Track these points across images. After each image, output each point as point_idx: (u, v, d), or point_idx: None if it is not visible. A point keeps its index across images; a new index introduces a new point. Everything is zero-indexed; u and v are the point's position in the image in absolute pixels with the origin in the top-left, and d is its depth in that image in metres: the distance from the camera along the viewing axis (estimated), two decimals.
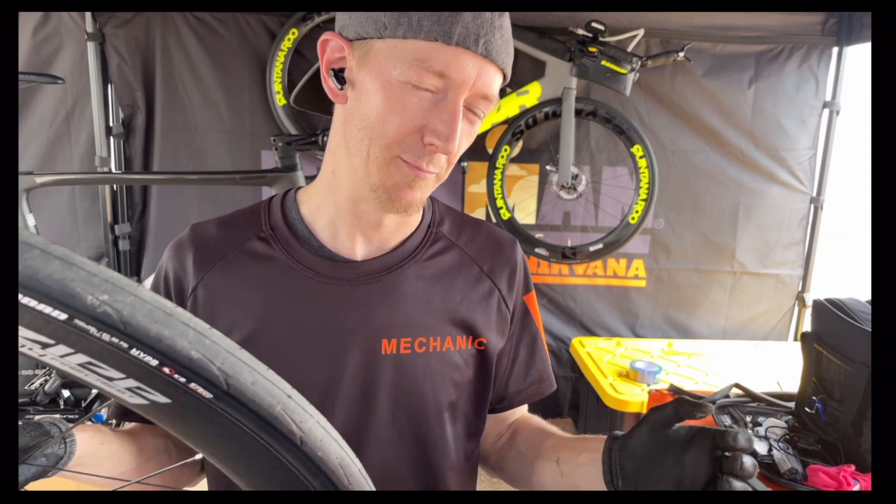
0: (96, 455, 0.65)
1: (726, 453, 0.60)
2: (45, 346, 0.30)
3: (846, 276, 4.83)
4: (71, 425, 0.58)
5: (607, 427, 2.39)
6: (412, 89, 0.66)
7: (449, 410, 0.82)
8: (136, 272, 2.76)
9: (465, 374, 0.82)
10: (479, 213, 2.91)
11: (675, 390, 1.77)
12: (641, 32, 2.55)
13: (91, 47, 2.53)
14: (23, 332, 0.29)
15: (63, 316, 0.29)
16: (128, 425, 0.80)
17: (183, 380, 0.33)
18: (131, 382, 0.32)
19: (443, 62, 0.64)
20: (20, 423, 0.53)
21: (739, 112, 2.80)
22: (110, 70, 2.61)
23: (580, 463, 0.74)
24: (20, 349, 0.31)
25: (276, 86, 2.58)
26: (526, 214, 2.90)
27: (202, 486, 0.87)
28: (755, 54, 2.75)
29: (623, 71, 2.41)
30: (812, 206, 2.93)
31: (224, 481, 0.81)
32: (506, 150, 2.60)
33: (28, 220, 2.16)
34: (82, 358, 0.31)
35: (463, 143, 0.70)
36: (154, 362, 0.31)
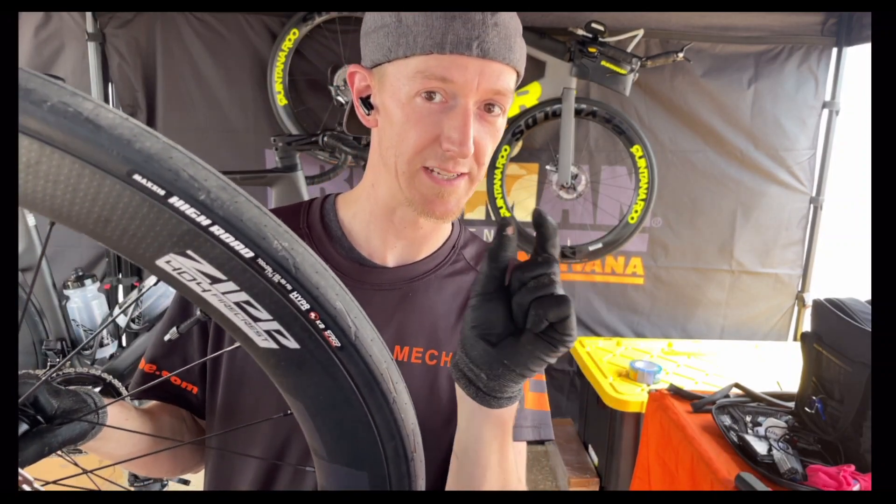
0: (117, 432, 0.67)
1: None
2: (215, 280, 0.35)
3: (846, 276, 4.83)
4: (104, 399, 0.62)
5: (607, 427, 2.39)
6: (423, 102, 0.69)
7: (447, 427, 0.81)
8: (136, 272, 2.77)
9: None
10: (479, 212, 2.91)
11: (675, 390, 1.77)
12: (641, 33, 2.56)
13: (91, 47, 2.53)
14: (201, 266, 0.34)
15: (250, 254, 0.34)
16: (146, 405, 0.82)
17: (322, 326, 0.37)
18: (274, 325, 0.37)
19: (442, 68, 0.67)
20: (62, 387, 0.57)
21: (739, 112, 2.80)
22: (111, 70, 2.61)
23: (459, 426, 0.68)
24: (186, 282, 0.35)
25: (277, 86, 2.58)
26: (525, 213, 2.90)
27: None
28: (755, 54, 2.76)
29: (623, 71, 2.42)
30: (811, 205, 2.93)
31: (221, 479, 0.82)
32: (506, 149, 2.60)
33: (28, 220, 2.16)
34: (242, 297, 0.35)
35: (486, 142, 0.72)
36: (306, 306, 0.36)
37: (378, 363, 0.41)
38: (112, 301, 2.42)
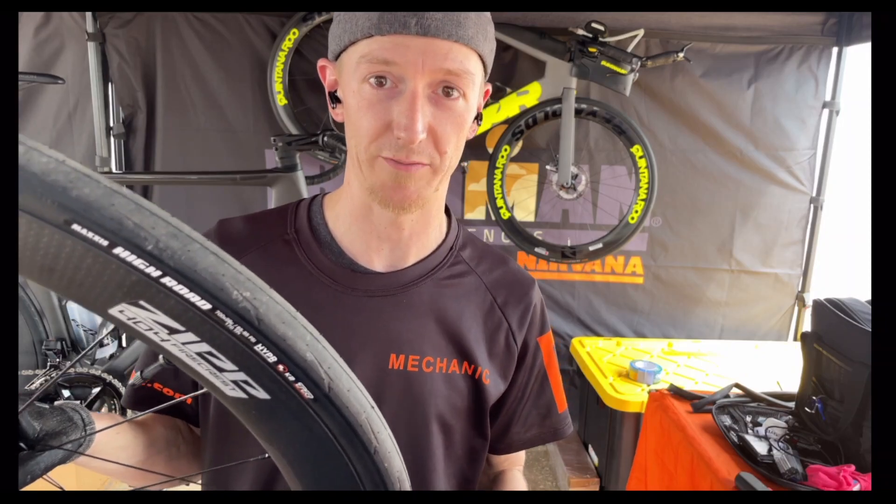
0: (111, 444, 0.66)
1: None
2: (173, 331, 0.32)
3: (846, 276, 4.83)
4: (92, 413, 0.60)
5: (607, 427, 2.39)
6: (372, 88, 0.66)
7: (445, 433, 0.81)
8: None
9: (465, 400, 0.82)
10: (479, 212, 2.91)
11: (675, 390, 1.77)
12: (641, 33, 2.56)
13: (91, 47, 2.53)
14: (157, 317, 0.31)
15: (207, 306, 0.31)
16: (139, 416, 0.80)
17: (292, 378, 0.35)
18: (240, 376, 0.35)
19: (384, 50, 0.64)
20: (46, 407, 0.55)
21: (739, 112, 2.80)
22: (111, 70, 2.61)
23: None
24: (143, 332, 0.32)
25: (277, 86, 2.58)
26: (526, 213, 2.91)
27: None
28: (755, 54, 2.76)
29: (623, 71, 2.41)
30: (812, 206, 2.93)
31: (219, 483, 0.82)
32: (506, 149, 2.60)
33: None
34: (204, 347, 0.33)
35: (445, 128, 0.68)
36: (273, 359, 0.34)
37: (356, 414, 0.38)
38: None
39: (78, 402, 2.02)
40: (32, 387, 2.08)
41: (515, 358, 0.85)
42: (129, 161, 2.74)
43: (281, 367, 0.34)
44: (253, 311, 0.33)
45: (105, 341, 2.30)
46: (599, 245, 2.67)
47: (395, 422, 0.76)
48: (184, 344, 0.33)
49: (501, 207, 2.67)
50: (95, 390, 2.11)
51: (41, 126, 2.62)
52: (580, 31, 2.46)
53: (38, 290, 2.18)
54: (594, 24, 2.41)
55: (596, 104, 2.57)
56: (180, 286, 0.30)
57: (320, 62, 0.76)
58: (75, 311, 2.23)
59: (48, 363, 2.17)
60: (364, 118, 0.67)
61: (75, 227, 0.28)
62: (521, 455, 0.97)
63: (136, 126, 2.70)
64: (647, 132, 2.65)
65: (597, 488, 2.50)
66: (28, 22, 2.51)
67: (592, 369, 2.50)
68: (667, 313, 3.04)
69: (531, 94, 2.55)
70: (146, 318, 0.32)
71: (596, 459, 2.62)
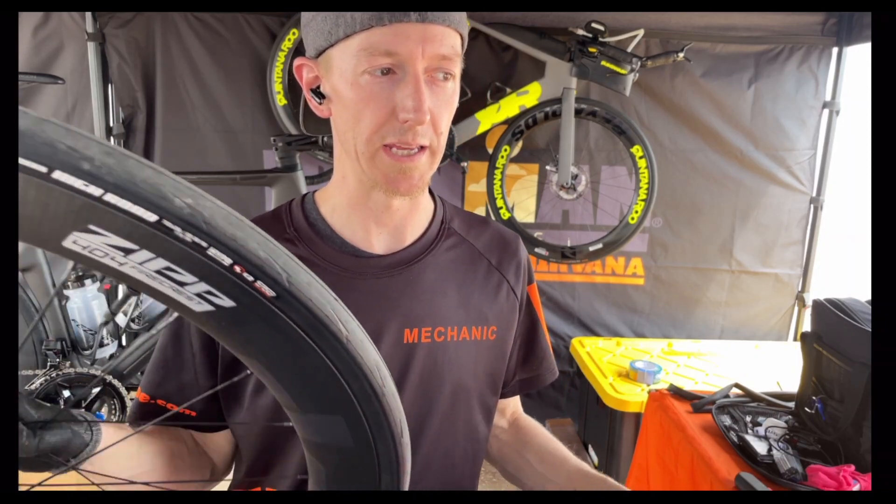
0: (118, 452, 0.66)
1: None
2: (127, 252, 0.33)
3: (846, 276, 4.83)
4: (97, 421, 0.60)
5: (607, 427, 2.39)
6: (372, 79, 0.69)
7: (463, 398, 0.85)
8: None
9: (480, 363, 0.86)
10: (479, 213, 2.91)
11: (675, 390, 1.77)
12: (641, 33, 2.56)
13: (91, 47, 2.53)
14: (108, 240, 0.32)
15: (153, 217, 0.32)
16: (145, 429, 0.81)
17: (251, 278, 0.36)
18: (202, 286, 0.35)
19: (385, 42, 0.67)
20: (61, 423, 0.55)
21: (739, 112, 2.80)
22: (110, 70, 2.61)
23: None
24: (100, 259, 0.33)
25: (277, 86, 2.58)
26: (525, 214, 2.90)
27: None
28: (755, 54, 2.76)
29: (623, 71, 2.41)
30: (812, 206, 2.93)
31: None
32: (506, 149, 2.60)
33: None
34: (161, 263, 0.34)
35: (441, 111, 0.72)
36: (228, 261, 0.34)
37: (321, 305, 0.39)
38: (112, 301, 2.42)
39: (83, 409, 2.02)
40: (32, 387, 2.08)
41: (517, 310, 0.91)
42: None
43: (238, 269, 0.35)
44: (199, 216, 0.33)
45: (105, 341, 2.30)
46: (599, 245, 2.67)
47: (414, 392, 0.80)
48: (141, 264, 0.33)
49: (501, 208, 2.67)
50: (95, 390, 2.11)
51: None
52: (580, 31, 2.46)
53: (38, 289, 2.18)
54: (594, 25, 2.41)
55: (596, 104, 2.57)
56: (124, 201, 0.31)
57: (297, 61, 0.77)
58: (75, 310, 2.23)
59: (48, 363, 2.16)
60: (367, 108, 0.70)
61: None
62: (518, 398, 1.06)
63: (135, 126, 2.70)
64: (647, 132, 2.65)
65: None
66: (27, 22, 2.51)
67: (592, 369, 2.50)
68: (667, 314, 3.04)
69: (531, 95, 2.55)
70: (100, 244, 0.32)
71: (596, 459, 2.62)
